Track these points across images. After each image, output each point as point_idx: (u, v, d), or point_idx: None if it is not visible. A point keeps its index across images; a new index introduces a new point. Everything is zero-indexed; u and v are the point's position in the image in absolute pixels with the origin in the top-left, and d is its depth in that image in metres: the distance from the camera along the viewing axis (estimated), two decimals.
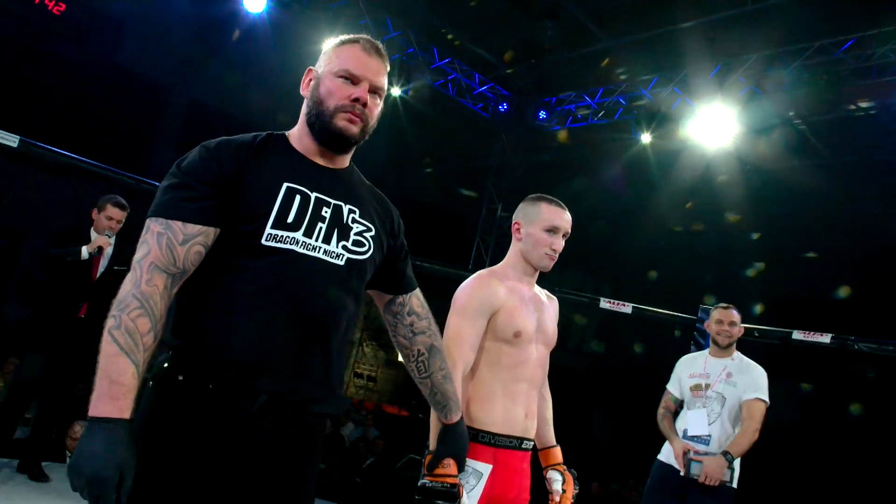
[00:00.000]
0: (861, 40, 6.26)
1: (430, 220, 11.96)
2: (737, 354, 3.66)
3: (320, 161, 1.60)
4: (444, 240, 11.08)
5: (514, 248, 2.31)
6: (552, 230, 2.22)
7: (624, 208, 9.71)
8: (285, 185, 1.50)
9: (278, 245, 1.45)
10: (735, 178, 7.85)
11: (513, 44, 8.84)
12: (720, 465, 3.33)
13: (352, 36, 1.63)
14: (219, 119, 9.78)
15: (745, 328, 4.81)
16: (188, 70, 9.69)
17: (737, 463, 3.42)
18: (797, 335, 4.34)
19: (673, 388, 3.76)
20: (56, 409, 4.25)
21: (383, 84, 1.61)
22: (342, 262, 1.53)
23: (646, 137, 7.88)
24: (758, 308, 8.34)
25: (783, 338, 4.58)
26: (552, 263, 2.26)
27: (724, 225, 9.27)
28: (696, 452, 3.45)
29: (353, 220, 1.58)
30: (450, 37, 8.68)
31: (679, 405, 3.75)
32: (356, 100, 1.55)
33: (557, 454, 2.34)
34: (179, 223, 1.41)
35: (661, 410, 3.74)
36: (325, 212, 1.53)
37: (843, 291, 8.57)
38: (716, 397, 3.51)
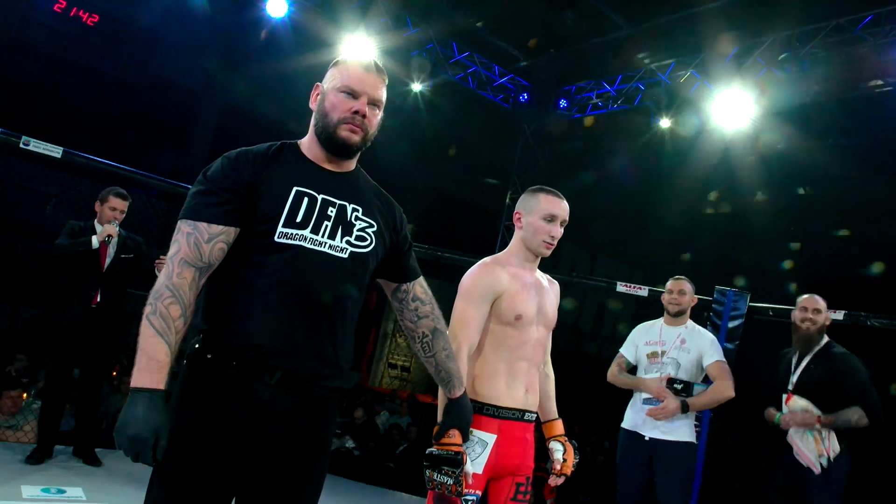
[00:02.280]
0: (878, 17, 6.23)
1: (455, 211, 12.15)
2: (689, 322, 3.88)
3: (328, 166, 1.80)
4: (470, 229, 11.25)
5: (516, 237, 2.47)
6: (550, 218, 2.37)
7: (647, 193, 9.75)
8: (295, 188, 1.70)
9: (289, 242, 1.66)
10: (757, 159, 7.85)
11: (531, 34, 8.94)
12: (673, 408, 3.56)
13: (353, 57, 1.85)
14: (249, 121, 10.09)
15: (761, 308, 4.94)
16: (218, 76, 10.00)
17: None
18: None
19: (627, 352, 3.93)
20: (91, 395, 4.48)
21: (381, 96, 1.80)
22: (346, 256, 1.73)
23: (665, 122, 7.93)
24: (781, 288, 8.33)
25: None
26: (550, 250, 2.42)
27: (746, 207, 9.24)
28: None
29: (357, 218, 1.78)
30: (468, 31, 8.81)
31: (631, 369, 3.93)
32: (356, 112, 1.74)
33: (559, 426, 2.51)
34: (205, 224, 1.63)
35: (613, 369, 3.90)
36: (331, 211, 1.73)
37: (872, 269, 8.48)
38: (670, 363, 3.72)
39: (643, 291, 5.07)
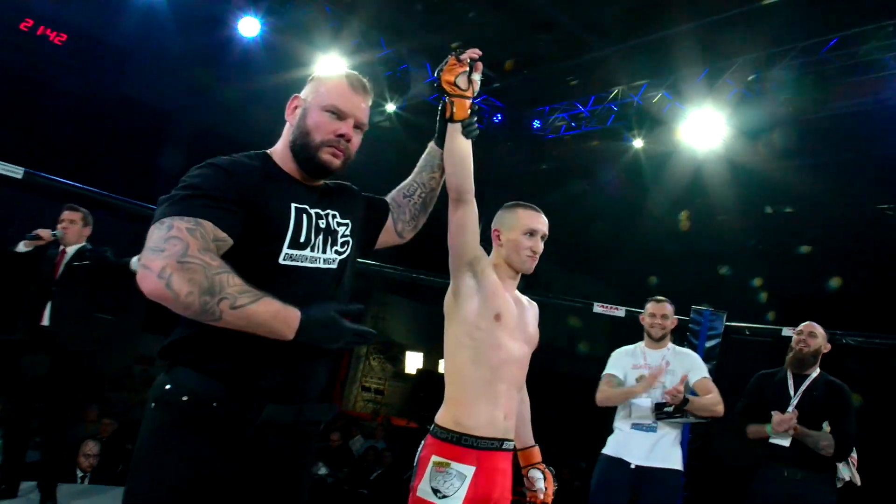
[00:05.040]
0: (843, 40, 6.36)
1: (430, 232, 12.09)
2: (671, 345, 3.80)
3: (304, 181, 1.69)
4: (445, 250, 11.19)
5: (496, 254, 2.39)
6: (531, 233, 2.32)
7: (620, 213, 9.81)
8: (293, 205, 1.59)
9: (292, 263, 1.55)
10: (727, 179, 7.94)
11: (505, 56, 8.98)
12: (678, 393, 3.43)
13: (339, 72, 1.73)
14: (223, 141, 9.96)
15: (737, 327, 4.95)
16: (190, 96, 9.88)
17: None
18: (787, 332, 4.42)
19: (617, 371, 3.76)
20: (52, 425, 4.10)
21: (366, 119, 1.72)
22: (336, 266, 1.66)
23: (638, 142, 8.00)
24: (755, 308, 8.41)
25: (774, 335, 4.67)
26: (534, 264, 2.35)
27: (718, 226, 9.34)
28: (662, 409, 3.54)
29: (338, 224, 1.70)
30: (442, 51, 8.81)
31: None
32: (341, 135, 1.64)
33: (537, 454, 2.43)
34: (210, 224, 1.42)
35: (605, 388, 3.71)
36: (322, 224, 1.65)
37: (841, 288, 8.60)
38: (658, 386, 3.59)
39: (620, 312, 5.05)
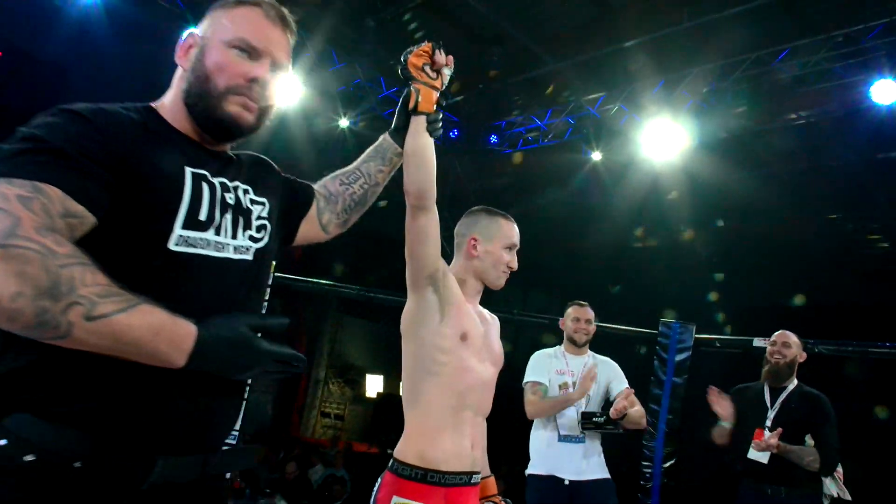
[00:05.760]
0: (794, 50, 6.40)
1: (386, 250, 11.86)
2: (590, 352, 3.68)
3: (203, 143, 1.28)
4: (400, 269, 10.96)
5: (464, 265, 2.17)
6: (511, 247, 2.15)
7: (579, 227, 9.75)
8: (188, 169, 1.16)
9: (188, 250, 1.13)
10: (685, 190, 7.93)
11: (460, 71, 8.86)
12: (625, 409, 3.26)
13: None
14: None
15: (707, 338, 4.84)
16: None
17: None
18: (757, 342, 4.33)
19: (542, 378, 3.54)
20: None
21: (287, 61, 1.32)
22: (251, 256, 1.26)
23: (596, 155, 7.94)
24: (718, 319, 8.40)
25: (744, 345, 4.58)
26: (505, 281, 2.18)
27: (678, 238, 9.34)
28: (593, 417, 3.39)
29: (252, 202, 1.31)
30: (396, 66, 8.67)
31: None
32: (254, 80, 1.24)
33: (492, 485, 2.21)
34: (59, 191, 0.98)
35: (533, 399, 3.48)
36: (230, 199, 1.24)
37: (799, 298, 8.66)
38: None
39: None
